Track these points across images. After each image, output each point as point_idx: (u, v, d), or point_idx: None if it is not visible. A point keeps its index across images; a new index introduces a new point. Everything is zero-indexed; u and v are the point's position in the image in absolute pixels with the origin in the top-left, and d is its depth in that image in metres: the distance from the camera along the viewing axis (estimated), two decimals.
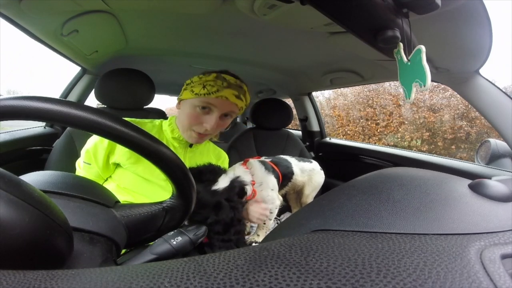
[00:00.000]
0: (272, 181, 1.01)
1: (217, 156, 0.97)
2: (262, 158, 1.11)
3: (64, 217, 0.26)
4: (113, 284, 0.17)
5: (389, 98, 5.52)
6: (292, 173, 1.13)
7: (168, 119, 0.88)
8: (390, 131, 5.38)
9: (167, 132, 0.85)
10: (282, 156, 1.19)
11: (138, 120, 0.85)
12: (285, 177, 1.10)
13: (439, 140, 4.93)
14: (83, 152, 0.80)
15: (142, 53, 1.39)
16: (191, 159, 0.88)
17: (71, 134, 1.13)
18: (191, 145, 0.87)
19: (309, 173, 1.20)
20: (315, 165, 1.25)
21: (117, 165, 0.81)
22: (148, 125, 0.86)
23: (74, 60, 1.27)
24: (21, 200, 0.22)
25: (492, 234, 0.23)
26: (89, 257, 0.29)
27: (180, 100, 0.82)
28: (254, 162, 1.02)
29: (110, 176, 0.83)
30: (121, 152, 0.77)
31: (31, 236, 0.22)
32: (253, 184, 0.94)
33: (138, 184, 0.79)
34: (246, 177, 0.91)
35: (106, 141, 0.77)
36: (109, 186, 0.81)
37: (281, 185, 1.09)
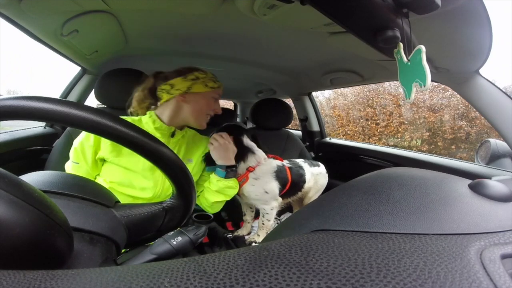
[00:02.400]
0: (270, 186, 1.00)
1: (199, 140, 1.00)
2: (285, 162, 1.10)
3: (64, 217, 0.26)
4: (113, 284, 0.17)
5: (389, 98, 5.52)
6: (304, 182, 1.11)
7: (147, 114, 0.90)
8: (390, 131, 5.38)
9: (149, 124, 0.87)
10: (297, 160, 1.17)
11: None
12: (296, 186, 1.08)
13: (439, 140, 4.93)
14: (71, 152, 0.82)
15: (142, 53, 1.39)
16: (175, 147, 0.91)
17: (71, 134, 1.13)
18: (172, 135, 0.90)
19: (316, 177, 1.18)
20: (322, 169, 1.23)
21: (103, 161, 0.83)
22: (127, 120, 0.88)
23: (74, 60, 1.26)
24: (21, 200, 0.22)
25: (492, 234, 0.23)
26: (89, 257, 0.29)
27: (186, 93, 0.87)
28: (270, 161, 1.05)
29: (98, 174, 0.84)
30: (105, 147, 0.80)
31: (31, 236, 0.22)
32: (249, 170, 0.98)
33: (123, 176, 0.81)
34: (252, 159, 1.00)
35: (91, 139, 0.79)
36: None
37: (289, 193, 1.08)
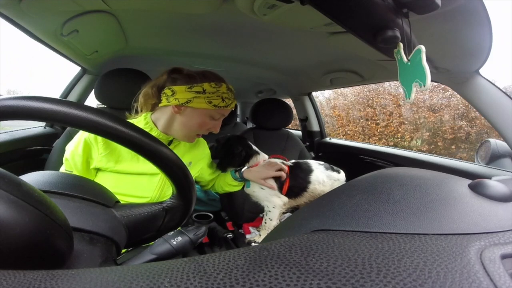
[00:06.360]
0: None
1: (194, 144, 0.95)
2: (290, 161, 1.09)
3: (64, 217, 0.26)
4: (113, 284, 0.17)
5: (389, 98, 5.52)
6: (308, 182, 1.05)
7: (143, 116, 0.83)
8: (390, 131, 5.38)
9: None
10: (309, 161, 1.11)
11: None
12: (297, 185, 1.04)
13: (439, 140, 4.93)
14: (64, 160, 0.79)
15: (142, 53, 1.39)
16: None
17: (71, 134, 1.13)
18: (169, 143, 0.85)
19: (333, 183, 1.10)
20: (341, 176, 1.13)
21: (97, 169, 0.79)
22: None
23: (74, 60, 1.27)
24: (21, 200, 0.22)
25: (492, 234, 0.23)
26: (89, 257, 0.29)
27: (182, 105, 0.77)
28: (272, 161, 1.07)
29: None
30: (99, 158, 0.76)
31: (31, 236, 0.22)
32: (256, 165, 1.06)
33: (119, 184, 0.78)
34: (254, 159, 1.07)
35: (80, 148, 0.75)
36: None
37: (293, 193, 1.04)
